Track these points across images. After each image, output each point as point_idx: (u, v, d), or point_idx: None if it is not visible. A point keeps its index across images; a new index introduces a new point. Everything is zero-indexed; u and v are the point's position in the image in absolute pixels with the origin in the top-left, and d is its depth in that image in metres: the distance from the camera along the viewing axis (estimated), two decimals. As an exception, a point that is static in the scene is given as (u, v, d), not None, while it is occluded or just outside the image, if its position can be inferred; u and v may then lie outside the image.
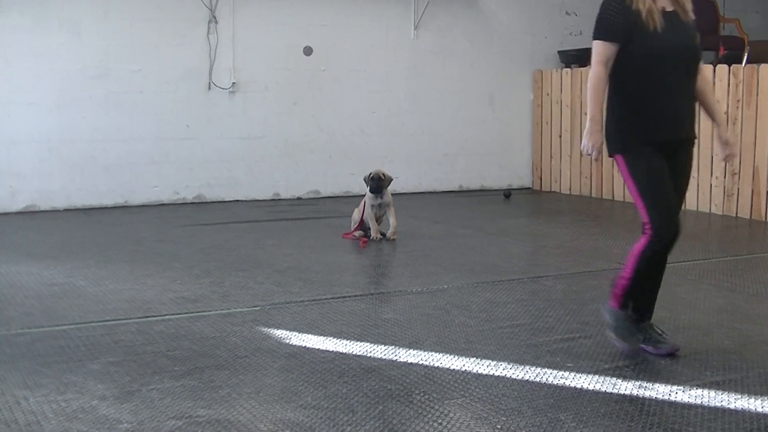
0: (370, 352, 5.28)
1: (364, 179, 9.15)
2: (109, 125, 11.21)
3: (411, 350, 5.30)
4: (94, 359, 5.11)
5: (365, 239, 8.89)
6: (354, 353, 5.25)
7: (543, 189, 13.76)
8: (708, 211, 11.13)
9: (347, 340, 5.53)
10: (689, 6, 5.18)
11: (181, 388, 4.63)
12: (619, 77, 5.18)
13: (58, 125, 10.94)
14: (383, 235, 9.00)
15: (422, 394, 4.54)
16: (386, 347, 5.36)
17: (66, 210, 10.99)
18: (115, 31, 11.16)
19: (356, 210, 9.27)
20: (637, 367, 4.99)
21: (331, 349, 5.33)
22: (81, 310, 6.25)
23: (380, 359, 5.13)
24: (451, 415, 4.29)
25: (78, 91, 11.02)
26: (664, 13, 5.08)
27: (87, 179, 11.14)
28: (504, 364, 5.02)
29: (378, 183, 9.00)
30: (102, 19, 11.08)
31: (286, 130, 12.23)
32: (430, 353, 5.24)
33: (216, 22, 11.67)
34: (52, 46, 10.86)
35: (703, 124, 11.07)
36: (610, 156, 5.27)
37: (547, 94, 13.58)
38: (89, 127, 11.10)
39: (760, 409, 4.38)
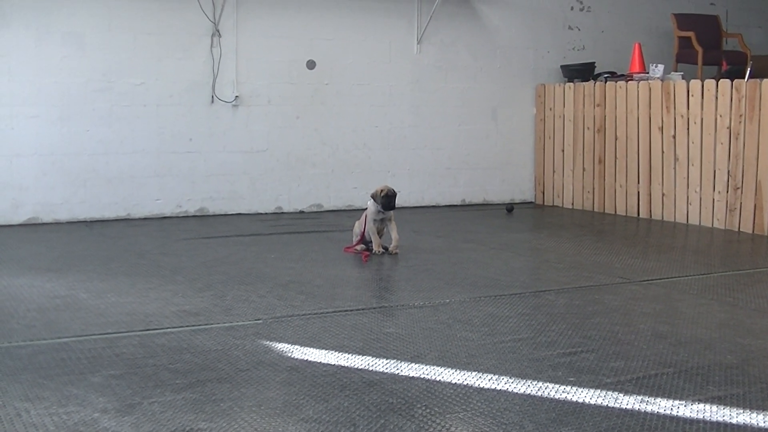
0: (372, 365, 5.27)
1: (373, 196, 9.00)
2: (112, 138, 11.23)
3: (413, 364, 5.29)
4: (96, 372, 5.11)
5: (367, 253, 8.89)
6: (356, 367, 5.25)
7: (545, 203, 13.77)
8: (710, 225, 11.13)
9: (349, 353, 5.52)
10: None
11: (182, 401, 4.62)
12: None
13: (61, 138, 10.96)
14: (385, 249, 9.00)
15: (424, 408, 4.54)
16: (388, 361, 5.36)
17: (68, 223, 11.00)
18: (119, 44, 11.19)
19: (357, 223, 9.24)
20: (639, 381, 4.99)
21: (332, 363, 5.32)
22: (83, 322, 6.25)
23: (382, 373, 5.12)
24: (453, 429, 4.28)
25: (81, 105, 11.04)
26: None
27: (89, 192, 11.15)
28: (506, 379, 5.02)
29: (390, 200, 8.92)
30: (105, 32, 11.10)
31: (288, 144, 12.24)
32: (432, 367, 5.23)
33: (219, 36, 11.69)
34: (55, 59, 10.88)
35: (705, 140, 11.11)
36: None
37: (550, 109, 13.60)
38: (92, 140, 11.12)
39: (762, 424, 4.37)
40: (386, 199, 8.89)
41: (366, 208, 9.16)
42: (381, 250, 8.95)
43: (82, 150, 11.08)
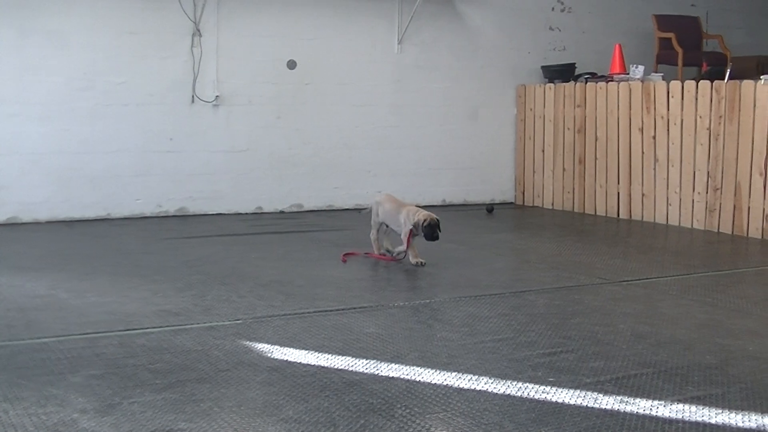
0: (352, 366, 5.27)
1: (415, 225, 8.20)
2: (93, 137, 11.18)
3: (393, 364, 5.30)
4: (76, 372, 5.10)
5: (347, 255, 8.80)
6: (336, 367, 5.25)
7: (526, 204, 13.79)
8: (690, 226, 11.17)
9: (329, 354, 5.52)
10: None
11: (162, 402, 4.62)
12: None
13: (43, 137, 10.91)
14: (389, 251, 8.75)
15: (404, 409, 4.54)
16: (368, 361, 5.36)
17: (48, 222, 10.96)
18: (101, 43, 11.15)
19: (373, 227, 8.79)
20: (619, 381, 5.00)
21: (313, 363, 5.32)
22: (63, 322, 6.23)
23: (362, 373, 5.13)
24: (433, 429, 4.29)
25: (63, 103, 11.00)
26: None
27: (70, 191, 11.11)
28: (486, 379, 5.03)
29: (434, 230, 8.19)
30: (87, 31, 11.06)
31: (269, 144, 12.23)
32: (412, 367, 5.24)
33: (200, 35, 11.66)
34: (37, 58, 10.83)
35: (685, 140, 11.15)
36: None
37: (531, 109, 13.62)
38: (73, 139, 11.08)
39: (740, 424, 4.39)
40: (429, 230, 8.18)
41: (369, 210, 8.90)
42: (420, 260, 8.42)
43: (63, 149, 11.04)
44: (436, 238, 8.23)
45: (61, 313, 6.51)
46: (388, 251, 8.79)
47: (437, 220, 8.24)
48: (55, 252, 9.11)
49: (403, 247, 8.46)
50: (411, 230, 8.27)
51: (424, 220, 8.17)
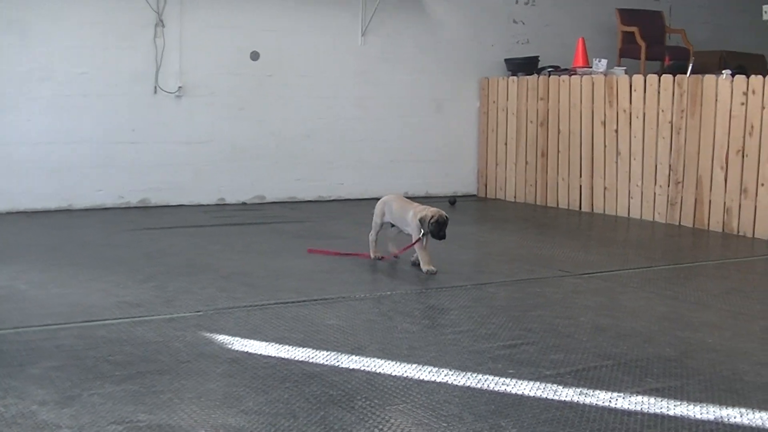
0: (313, 357, 5.27)
1: (421, 220, 7.69)
2: (54, 128, 11.10)
3: (353, 356, 5.30)
4: (35, 364, 5.06)
5: (311, 250, 8.76)
6: (296, 359, 5.24)
7: (488, 196, 13.81)
8: (651, 219, 11.22)
9: (290, 345, 5.52)
10: None
11: (122, 393, 4.60)
12: None
13: (2, 128, 10.81)
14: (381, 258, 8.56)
15: (364, 400, 4.54)
16: (329, 353, 5.36)
17: (8, 213, 10.87)
18: (62, 33, 11.06)
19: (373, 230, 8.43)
20: (579, 374, 5.02)
21: (273, 355, 5.31)
22: (22, 314, 6.19)
23: (322, 365, 5.13)
24: (393, 421, 4.29)
25: (23, 94, 10.90)
26: None
27: (31, 182, 11.02)
28: (446, 371, 5.03)
29: (442, 228, 7.67)
30: (48, 20, 10.98)
31: (232, 135, 12.18)
32: (373, 359, 5.24)
33: (163, 26, 11.60)
34: (-4, 47, 10.77)
35: (647, 134, 11.20)
36: None
37: (494, 102, 13.64)
38: (34, 129, 10.99)
39: (698, 416, 4.42)
40: (437, 227, 7.66)
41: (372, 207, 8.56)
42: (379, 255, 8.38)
43: (23, 139, 10.95)
44: (443, 237, 7.73)
45: (21, 304, 6.46)
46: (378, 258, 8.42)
47: (446, 217, 7.73)
48: (15, 243, 9.05)
49: (397, 251, 8.18)
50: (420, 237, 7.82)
51: (432, 217, 7.66)
